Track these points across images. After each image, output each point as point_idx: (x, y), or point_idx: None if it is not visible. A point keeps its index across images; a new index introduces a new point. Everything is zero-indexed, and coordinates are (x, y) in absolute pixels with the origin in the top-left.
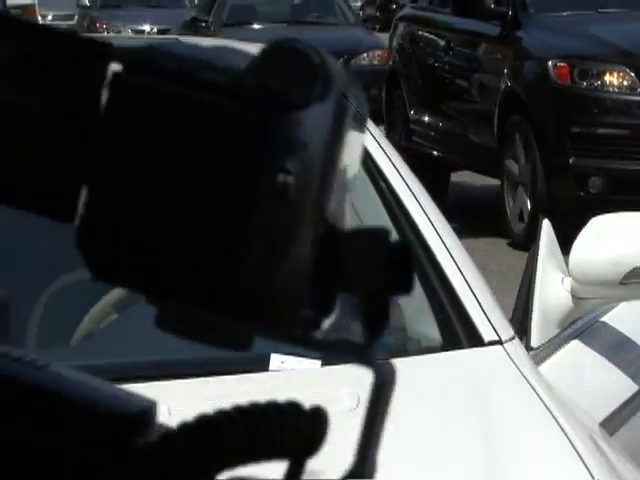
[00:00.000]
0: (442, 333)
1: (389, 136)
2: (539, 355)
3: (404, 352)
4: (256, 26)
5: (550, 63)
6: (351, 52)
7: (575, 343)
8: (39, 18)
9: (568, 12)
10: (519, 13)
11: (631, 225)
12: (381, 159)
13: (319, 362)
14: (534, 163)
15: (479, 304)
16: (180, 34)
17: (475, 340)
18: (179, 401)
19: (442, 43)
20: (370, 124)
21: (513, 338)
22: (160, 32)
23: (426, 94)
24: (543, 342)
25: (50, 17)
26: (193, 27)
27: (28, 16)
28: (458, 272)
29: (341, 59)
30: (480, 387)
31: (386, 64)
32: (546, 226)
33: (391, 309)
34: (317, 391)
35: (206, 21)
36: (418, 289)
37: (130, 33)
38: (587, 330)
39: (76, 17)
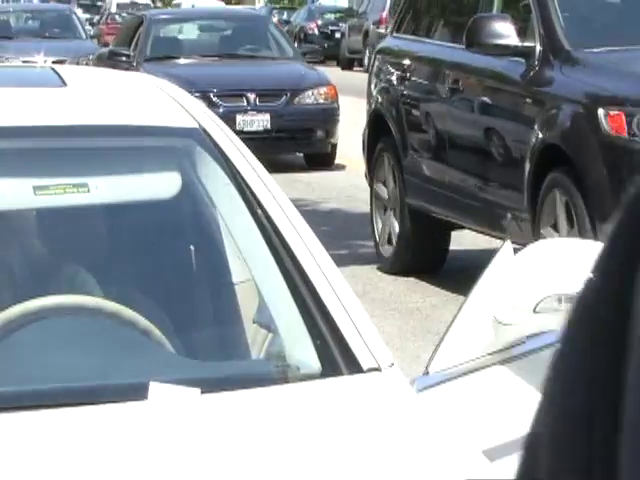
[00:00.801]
0: (321, 360)
1: (376, 188)
2: (437, 378)
3: (284, 379)
4: (183, 60)
5: (601, 112)
6: (293, 89)
7: (484, 372)
8: None
9: (612, 47)
10: (550, 48)
11: (565, 251)
12: (256, 185)
13: (199, 390)
14: (582, 232)
15: (357, 331)
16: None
17: (354, 367)
18: (54, 430)
19: (446, 82)
20: (243, 148)
21: (392, 365)
22: (55, 63)
23: (426, 143)
24: (450, 366)
25: None
26: (110, 61)
27: None
28: (336, 298)
29: (283, 97)
30: (359, 414)
31: (333, 102)
32: (505, 248)
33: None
34: (196, 419)
35: (127, 55)
36: (297, 316)
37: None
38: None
39: None
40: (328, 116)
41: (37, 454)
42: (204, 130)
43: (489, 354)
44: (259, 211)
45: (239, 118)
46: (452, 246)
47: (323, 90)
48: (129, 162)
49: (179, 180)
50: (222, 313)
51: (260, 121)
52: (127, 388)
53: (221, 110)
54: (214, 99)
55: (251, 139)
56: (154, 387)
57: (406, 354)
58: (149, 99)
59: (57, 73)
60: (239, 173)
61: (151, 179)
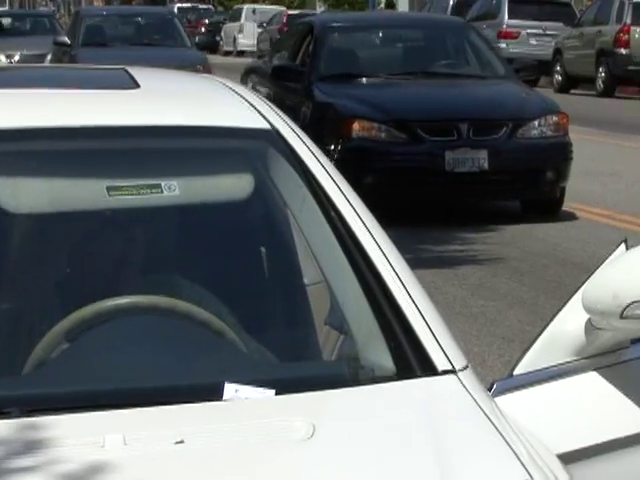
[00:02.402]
0: (395, 362)
1: None
2: (520, 381)
3: (357, 381)
4: (366, 80)
5: None
6: (516, 118)
7: (572, 378)
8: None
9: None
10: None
11: None
12: (329, 187)
13: (273, 391)
14: None
15: (432, 333)
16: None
17: (428, 369)
18: (134, 430)
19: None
20: (316, 150)
21: (467, 367)
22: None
23: None
24: (536, 368)
25: (17, 57)
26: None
27: None
28: (410, 300)
29: (503, 129)
30: (434, 417)
31: (565, 135)
32: (618, 251)
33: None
34: (271, 420)
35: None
36: (370, 318)
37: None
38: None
39: (49, 56)
40: (559, 152)
41: (112, 454)
42: (277, 131)
43: (582, 359)
44: (332, 213)
45: (448, 156)
46: (517, 249)
47: (553, 119)
48: (202, 163)
49: (252, 182)
50: (294, 315)
51: (475, 159)
52: (202, 388)
53: (425, 145)
54: (415, 131)
55: (463, 181)
56: (229, 388)
57: (471, 359)
58: (222, 100)
59: (129, 75)
60: (312, 175)
61: (224, 180)
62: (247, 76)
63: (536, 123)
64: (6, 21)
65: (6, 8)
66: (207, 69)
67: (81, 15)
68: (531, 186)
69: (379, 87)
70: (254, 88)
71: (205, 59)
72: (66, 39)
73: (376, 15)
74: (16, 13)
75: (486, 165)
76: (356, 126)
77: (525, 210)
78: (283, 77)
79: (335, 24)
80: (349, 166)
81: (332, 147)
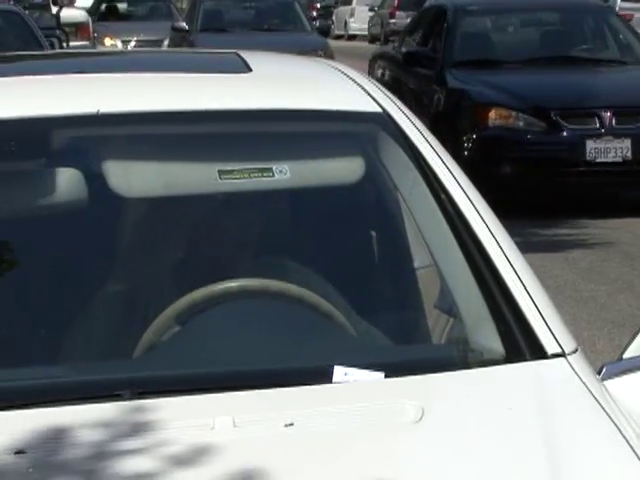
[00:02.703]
0: (505, 345)
1: None
2: (631, 365)
3: (466, 364)
4: (501, 66)
5: None
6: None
7: None
8: (111, 43)
9: None
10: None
11: None
12: (440, 170)
13: (382, 374)
14: None
15: (541, 316)
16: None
17: (538, 353)
18: (244, 413)
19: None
20: (427, 133)
21: (576, 350)
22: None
23: None
24: None
25: (133, 43)
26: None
27: (81, 35)
28: (520, 284)
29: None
30: (544, 401)
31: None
32: None
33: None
34: (380, 403)
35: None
36: (480, 301)
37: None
38: None
39: (166, 42)
40: None
41: (221, 436)
42: (388, 115)
43: None
44: (442, 196)
45: (590, 145)
46: (629, 233)
47: (321, 52)
48: (313, 147)
49: (363, 165)
50: (404, 298)
51: (618, 149)
52: (312, 371)
53: (565, 134)
54: (555, 119)
55: (605, 172)
56: (338, 370)
57: (581, 343)
58: (332, 83)
59: (242, 59)
60: (423, 158)
61: (335, 164)
62: (375, 62)
63: (317, 52)
64: (122, 6)
65: None
66: (328, 54)
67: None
68: None
69: (516, 73)
70: (383, 75)
71: (326, 44)
72: (184, 24)
73: None
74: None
75: (629, 155)
76: (492, 114)
77: None
78: (414, 63)
79: (469, 7)
80: (486, 156)
81: (467, 136)
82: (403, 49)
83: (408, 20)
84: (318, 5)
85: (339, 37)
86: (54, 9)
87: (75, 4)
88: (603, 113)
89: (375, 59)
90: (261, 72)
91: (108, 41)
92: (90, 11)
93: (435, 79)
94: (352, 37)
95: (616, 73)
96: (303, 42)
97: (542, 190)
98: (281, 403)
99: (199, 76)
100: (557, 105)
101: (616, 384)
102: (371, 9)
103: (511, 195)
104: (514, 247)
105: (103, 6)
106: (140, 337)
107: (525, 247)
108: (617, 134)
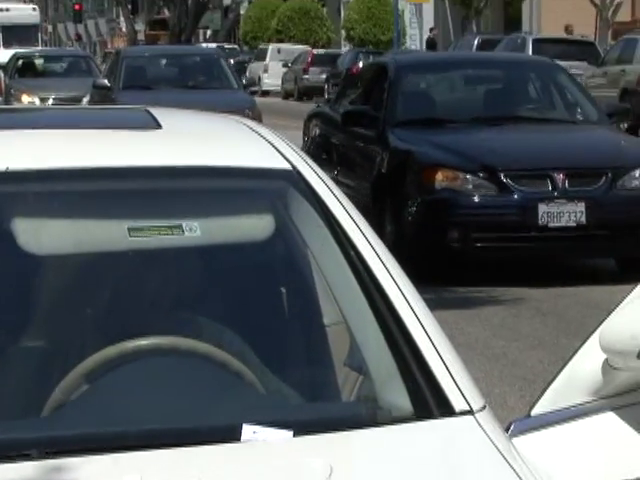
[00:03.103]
0: (413, 403)
1: None
2: (538, 422)
3: (375, 422)
4: (447, 125)
5: None
6: (615, 167)
7: (589, 418)
8: (29, 100)
9: None
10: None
11: None
12: (349, 227)
13: (291, 432)
14: None
15: (449, 373)
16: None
17: (446, 410)
18: (152, 472)
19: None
20: (337, 190)
21: (484, 407)
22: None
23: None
24: (554, 409)
25: (51, 101)
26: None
27: None
28: (428, 341)
29: (602, 179)
30: (451, 458)
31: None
32: (637, 291)
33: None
34: (289, 461)
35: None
36: (389, 358)
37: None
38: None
39: (86, 99)
40: None
41: None
42: (297, 172)
43: (600, 399)
44: (352, 253)
45: (542, 208)
46: (540, 288)
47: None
48: (223, 204)
49: (272, 222)
50: (314, 355)
51: (572, 213)
52: (220, 429)
53: (515, 197)
54: (505, 180)
55: (556, 238)
56: (247, 429)
57: (492, 399)
58: (242, 140)
59: (151, 115)
60: (332, 215)
61: (245, 221)
62: (310, 122)
63: (637, 173)
64: (39, 62)
65: (38, 48)
66: (255, 113)
67: (122, 55)
68: (633, 243)
69: (462, 133)
70: (319, 135)
71: (253, 102)
72: (105, 82)
73: (454, 55)
74: (51, 54)
75: (584, 219)
76: (439, 176)
77: (622, 269)
78: (354, 123)
79: (411, 65)
80: (432, 220)
81: (412, 200)
82: (341, 109)
83: (322, 76)
84: (232, 61)
85: (253, 93)
86: None
87: None
88: (556, 175)
89: (310, 119)
90: (170, 128)
91: (25, 98)
92: (6, 67)
93: (377, 139)
94: (265, 93)
95: (567, 132)
96: (229, 100)
97: (492, 256)
98: (189, 462)
99: (108, 132)
100: (507, 166)
101: (524, 441)
102: (285, 65)
103: (459, 261)
104: (423, 304)
105: (20, 62)
106: (49, 396)
107: (437, 304)
108: (570, 197)
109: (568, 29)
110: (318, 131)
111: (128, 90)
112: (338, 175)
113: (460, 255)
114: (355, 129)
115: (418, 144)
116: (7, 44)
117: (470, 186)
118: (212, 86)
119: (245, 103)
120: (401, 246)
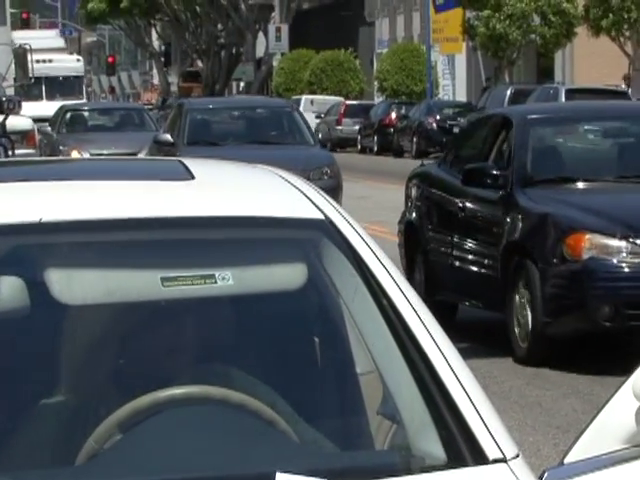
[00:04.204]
0: (446, 451)
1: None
2: (571, 470)
3: (409, 470)
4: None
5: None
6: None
7: (622, 466)
8: (77, 154)
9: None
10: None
11: None
12: (382, 276)
13: None
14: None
15: (483, 422)
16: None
17: (479, 458)
18: None
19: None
20: (369, 239)
21: (517, 456)
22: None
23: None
24: (587, 457)
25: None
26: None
27: (27, 143)
28: (462, 389)
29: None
30: None
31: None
32: None
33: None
34: None
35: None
36: (422, 407)
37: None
38: None
39: (141, 155)
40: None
41: None
42: (330, 221)
43: (633, 447)
44: (384, 302)
45: None
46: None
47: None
48: (256, 253)
49: (305, 271)
50: (347, 404)
51: None
52: (254, 478)
53: None
54: None
55: None
56: (281, 477)
57: (526, 448)
58: (275, 190)
59: (185, 166)
60: (365, 264)
61: (278, 270)
62: (414, 182)
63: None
64: (89, 115)
65: (83, 101)
66: (334, 171)
67: (186, 108)
68: None
69: (604, 193)
70: (427, 197)
71: (332, 159)
72: (168, 137)
73: (585, 105)
74: (102, 106)
75: None
76: (586, 242)
77: None
78: (477, 182)
79: (539, 117)
80: (577, 293)
81: (552, 270)
82: (454, 168)
83: (355, 127)
84: None
85: None
86: (0, 117)
87: (21, 112)
88: None
89: (414, 179)
90: (203, 179)
91: (76, 155)
92: (53, 121)
93: (504, 201)
94: None
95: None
96: (307, 158)
97: None
98: None
99: (142, 183)
100: None
101: None
102: (317, 116)
103: (606, 340)
104: (456, 353)
105: (68, 115)
106: (82, 445)
107: (469, 352)
108: None
109: (626, 79)
110: (426, 192)
111: (193, 146)
112: (455, 240)
113: (610, 335)
114: (474, 190)
115: (555, 206)
116: (50, 97)
117: (623, 254)
118: (286, 142)
119: (324, 160)
120: (537, 321)
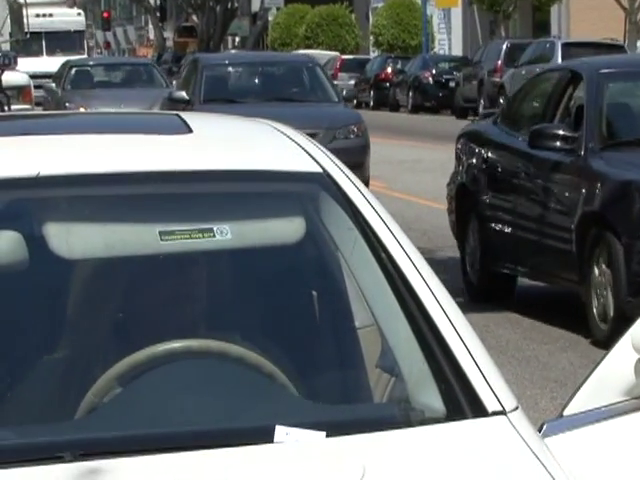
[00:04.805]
0: (446, 404)
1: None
2: (571, 422)
3: (408, 423)
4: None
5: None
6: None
7: (621, 418)
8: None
9: None
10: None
11: None
12: (380, 230)
13: (324, 433)
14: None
15: (482, 374)
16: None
17: (479, 411)
18: (186, 473)
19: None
20: (367, 192)
21: (517, 408)
22: None
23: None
24: (587, 409)
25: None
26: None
27: (23, 99)
28: (461, 342)
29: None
30: (484, 458)
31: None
32: None
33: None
34: (321, 462)
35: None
36: (421, 360)
37: None
38: None
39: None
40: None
41: None
42: (328, 175)
43: (632, 399)
44: (383, 255)
45: None
46: (566, 294)
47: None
48: (254, 207)
49: (303, 225)
50: (345, 357)
51: None
52: (253, 431)
53: None
54: None
55: None
56: (280, 430)
57: (524, 402)
58: (273, 144)
59: (182, 120)
60: (363, 217)
61: (276, 224)
62: (464, 142)
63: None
64: (96, 71)
65: (84, 56)
66: (361, 129)
67: (201, 64)
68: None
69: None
70: (483, 159)
71: (359, 117)
72: (183, 94)
73: None
74: (108, 61)
75: None
76: None
77: None
78: (546, 145)
79: (612, 71)
80: None
81: (634, 243)
82: (514, 128)
83: (351, 82)
84: None
85: None
86: None
87: (17, 68)
88: None
89: (464, 138)
90: (201, 133)
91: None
92: (57, 77)
93: (577, 166)
94: None
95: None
96: (332, 117)
97: None
98: (223, 463)
99: (140, 137)
100: None
101: (556, 441)
102: None
103: None
104: (454, 306)
105: (73, 71)
106: (82, 399)
107: (467, 307)
108: None
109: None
110: (482, 153)
111: (210, 104)
112: (518, 207)
113: None
114: (542, 153)
115: (639, 172)
116: (50, 52)
117: None
118: (308, 99)
119: (351, 119)
120: (620, 301)
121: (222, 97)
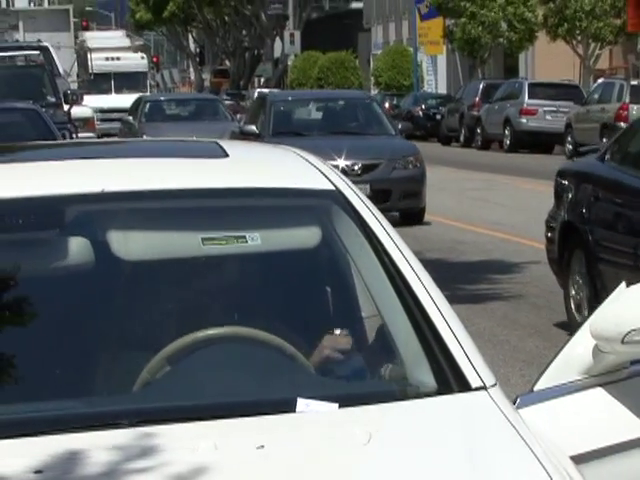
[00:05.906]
0: (437, 380)
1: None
2: (540, 396)
3: (406, 396)
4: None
5: None
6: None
7: (583, 393)
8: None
9: None
10: None
11: None
12: (383, 237)
13: (337, 405)
14: None
15: (467, 356)
16: None
17: (464, 386)
18: (223, 437)
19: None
20: (372, 206)
21: (495, 384)
22: None
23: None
24: (552, 385)
25: None
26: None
27: (88, 128)
28: (448, 329)
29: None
30: (469, 426)
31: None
32: (620, 289)
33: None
34: (335, 429)
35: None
36: (416, 343)
37: None
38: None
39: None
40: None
41: (205, 457)
42: (340, 192)
43: (591, 377)
44: (385, 258)
45: None
46: (536, 287)
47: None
48: (279, 218)
49: (319, 233)
50: (354, 342)
51: None
52: (279, 403)
53: None
54: None
55: None
56: (301, 402)
57: (498, 379)
58: (295, 167)
59: (220, 147)
60: (368, 227)
61: (296, 232)
62: (567, 179)
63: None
64: (168, 106)
65: (147, 93)
66: (419, 160)
67: (270, 100)
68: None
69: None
70: (588, 197)
71: (416, 149)
72: (254, 128)
73: None
74: (178, 97)
75: None
76: None
77: None
78: None
79: None
80: None
81: None
82: (633, 164)
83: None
84: None
85: None
86: (66, 107)
87: (84, 103)
88: None
89: (565, 176)
90: (236, 157)
91: None
92: (131, 110)
93: None
94: None
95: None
96: (392, 148)
97: None
98: (253, 429)
99: (185, 161)
100: None
101: (528, 412)
102: None
103: None
104: (443, 299)
105: (147, 106)
106: (138, 376)
107: (452, 300)
108: None
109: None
110: (591, 191)
111: (279, 137)
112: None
113: None
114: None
115: None
116: (118, 90)
117: None
118: (367, 132)
119: (409, 150)
120: None
121: (289, 130)
